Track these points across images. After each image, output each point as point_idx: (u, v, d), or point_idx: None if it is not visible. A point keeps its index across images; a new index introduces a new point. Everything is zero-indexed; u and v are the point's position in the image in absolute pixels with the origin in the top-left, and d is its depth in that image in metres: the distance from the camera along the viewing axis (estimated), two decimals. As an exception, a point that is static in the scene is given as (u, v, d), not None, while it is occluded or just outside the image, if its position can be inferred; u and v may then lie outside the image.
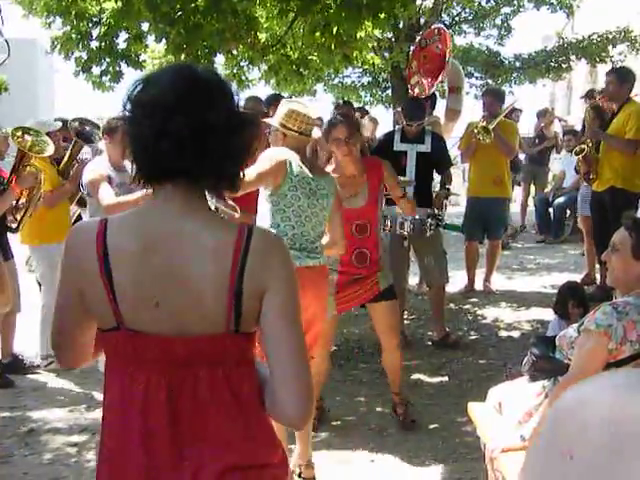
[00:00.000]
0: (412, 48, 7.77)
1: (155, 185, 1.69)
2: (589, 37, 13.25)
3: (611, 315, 2.85)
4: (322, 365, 4.34)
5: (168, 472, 1.65)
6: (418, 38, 7.34)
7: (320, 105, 9.90)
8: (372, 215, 4.57)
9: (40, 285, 6.53)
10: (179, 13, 6.11)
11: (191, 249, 1.62)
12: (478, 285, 8.11)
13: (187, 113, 1.59)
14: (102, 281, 1.62)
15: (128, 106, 1.65)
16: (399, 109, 7.27)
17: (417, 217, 5.76)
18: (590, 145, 6.94)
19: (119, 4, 5.99)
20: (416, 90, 7.19)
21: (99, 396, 5.22)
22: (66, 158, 5.82)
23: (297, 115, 3.84)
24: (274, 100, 7.28)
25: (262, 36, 7.86)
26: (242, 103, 1.72)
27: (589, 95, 9.28)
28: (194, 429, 1.65)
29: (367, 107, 13.37)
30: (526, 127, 12.75)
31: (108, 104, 8.29)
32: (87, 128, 5.73)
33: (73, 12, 6.52)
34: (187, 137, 1.58)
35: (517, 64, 14.10)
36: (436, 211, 6.19)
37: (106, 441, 1.74)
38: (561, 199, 10.83)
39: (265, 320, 1.66)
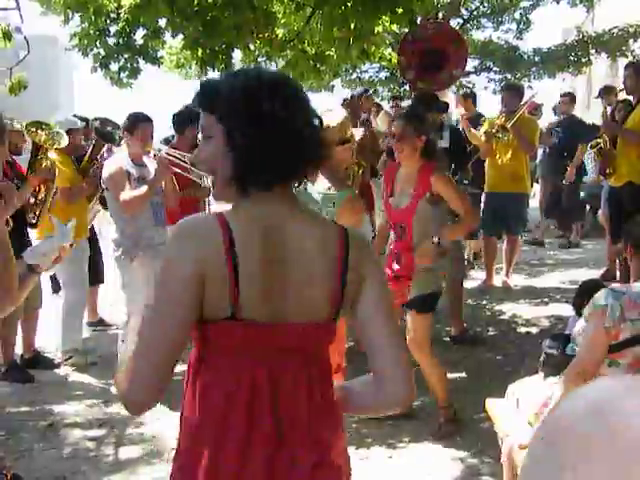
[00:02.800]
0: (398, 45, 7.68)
1: (248, 185, 1.72)
2: (609, 31, 13.14)
3: (607, 295, 2.89)
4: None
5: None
6: (405, 34, 7.25)
7: (337, 100, 9.91)
8: (408, 219, 4.42)
9: (52, 282, 6.62)
10: (196, 8, 6.12)
11: (303, 238, 1.71)
12: (497, 281, 8.08)
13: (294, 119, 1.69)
14: (228, 269, 1.62)
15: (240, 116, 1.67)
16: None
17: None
18: (606, 139, 6.88)
19: (137, 0, 6.00)
20: (419, 85, 7.13)
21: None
22: (86, 157, 5.87)
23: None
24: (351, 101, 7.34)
25: (279, 31, 7.84)
26: None
27: (605, 91, 9.20)
28: (292, 419, 1.71)
29: (384, 102, 13.35)
30: (546, 122, 12.64)
31: (127, 100, 8.34)
32: (108, 128, 5.78)
33: (91, 8, 6.55)
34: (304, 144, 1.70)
35: (536, 58, 14.00)
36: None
37: (190, 445, 1.72)
38: (581, 194, 10.74)
39: (366, 309, 1.78)
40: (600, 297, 2.90)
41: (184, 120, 6.05)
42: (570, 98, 10.31)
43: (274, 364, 1.69)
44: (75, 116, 6.42)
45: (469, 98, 9.07)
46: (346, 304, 1.76)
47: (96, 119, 5.81)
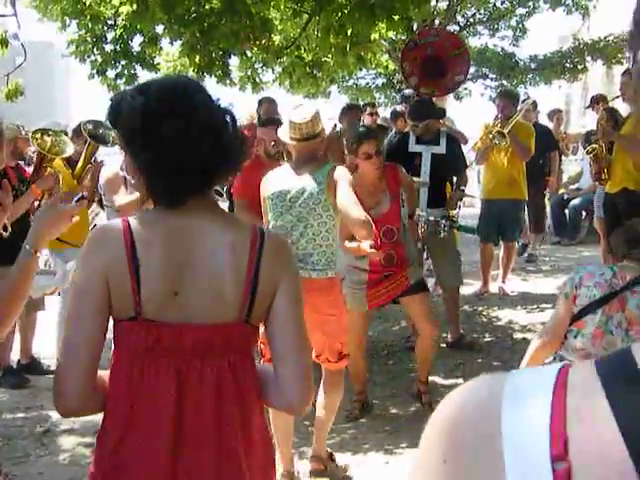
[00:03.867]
0: (400, 51, 7.70)
1: (156, 195, 1.79)
2: (605, 38, 13.19)
3: (572, 273, 3.32)
4: (357, 362, 4.76)
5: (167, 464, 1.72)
6: (407, 40, 7.29)
7: (333, 107, 9.93)
8: (396, 219, 4.74)
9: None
10: (194, 15, 6.15)
11: (210, 242, 1.74)
12: (493, 287, 8.09)
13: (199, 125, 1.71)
14: (129, 271, 1.69)
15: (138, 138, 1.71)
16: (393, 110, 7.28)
17: (431, 218, 5.77)
18: (602, 145, 6.90)
19: (134, 7, 6.02)
20: (422, 90, 7.15)
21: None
22: (81, 161, 5.84)
23: (294, 125, 3.90)
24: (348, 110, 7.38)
25: (276, 38, 7.87)
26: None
27: (595, 101, 9.23)
28: (197, 417, 1.74)
29: (381, 108, 13.38)
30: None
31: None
32: (100, 130, 5.76)
33: (88, 15, 6.57)
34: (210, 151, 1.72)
35: (532, 65, 14.05)
36: (450, 212, 6.17)
37: (111, 432, 1.76)
38: (577, 200, 10.78)
39: (275, 312, 1.81)
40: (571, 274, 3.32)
41: None
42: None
43: (179, 364, 1.73)
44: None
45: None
46: (260, 306, 1.79)
47: (88, 122, 5.79)
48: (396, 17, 6.31)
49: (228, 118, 1.77)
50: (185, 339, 1.72)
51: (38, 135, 5.30)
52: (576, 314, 3.19)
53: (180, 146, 1.67)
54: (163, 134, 1.66)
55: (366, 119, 8.53)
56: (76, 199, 2.33)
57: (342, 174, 3.83)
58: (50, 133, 5.36)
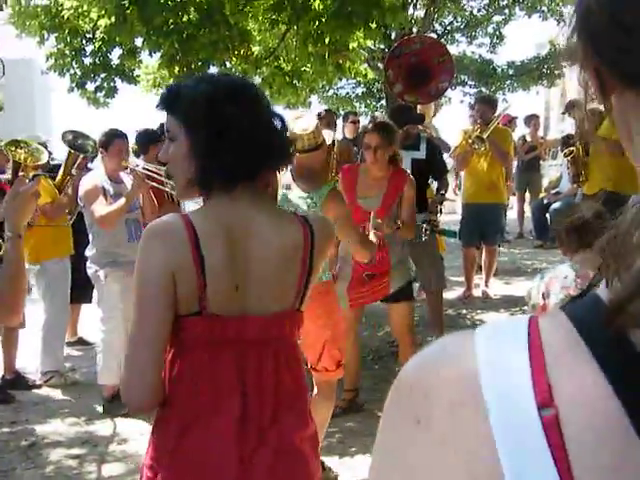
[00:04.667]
0: (385, 58, 7.74)
1: (210, 185, 1.79)
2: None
3: (534, 281, 3.35)
4: (352, 357, 4.83)
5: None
6: (392, 48, 7.33)
7: (314, 116, 10.02)
8: (381, 219, 4.63)
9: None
10: (172, 26, 6.16)
11: (267, 234, 1.78)
12: (477, 291, 8.15)
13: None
14: (195, 266, 1.70)
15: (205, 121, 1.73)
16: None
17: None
18: (579, 147, 6.98)
19: (112, 19, 6.03)
20: (406, 98, 7.20)
21: (99, 409, 5.24)
22: (61, 171, 5.83)
23: (296, 136, 3.88)
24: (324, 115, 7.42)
25: (255, 49, 7.91)
26: None
27: (571, 106, 9.32)
28: (260, 407, 1.78)
29: (362, 117, 13.45)
30: (520, 134, 12.80)
31: (104, 121, 8.35)
32: (79, 140, 5.76)
33: (66, 29, 6.57)
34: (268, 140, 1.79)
35: (510, 72, 14.18)
36: (432, 217, 6.22)
37: (173, 423, 1.78)
38: (557, 204, 10.87)
39: None
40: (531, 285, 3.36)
41: (148, 139, 6.12)
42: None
43: (240, 356, 1.76)
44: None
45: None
46: (309, 290, 1.87)
47: (67, 132, 5.78)
48: (373, 25, 6.35)
49: (280, 119, 1.85)
50: (247, 331, 1.77)
51: (12, 147, 5.30)
52: None
53: (241, 134, 1.71)
54: (227, 120, 1.70)
55: (348, 127, 8.59)
56: (30, 179, 2.45)
57: (340, 212, 3.67)
58: (22, 145, 5.35)
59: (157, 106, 1.83)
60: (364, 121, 11.27)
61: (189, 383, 1.76)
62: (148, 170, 5.33)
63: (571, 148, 7.17)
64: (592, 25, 0.58)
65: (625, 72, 0.58)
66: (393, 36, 10.81)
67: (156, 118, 7.37)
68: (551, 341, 0.58)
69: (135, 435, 4.60)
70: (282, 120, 1.86)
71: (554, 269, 3.33)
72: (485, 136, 7.50)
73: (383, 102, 13.19)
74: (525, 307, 7.36)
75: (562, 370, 0.56)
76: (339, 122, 8.80)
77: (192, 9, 6.18)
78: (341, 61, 6.98)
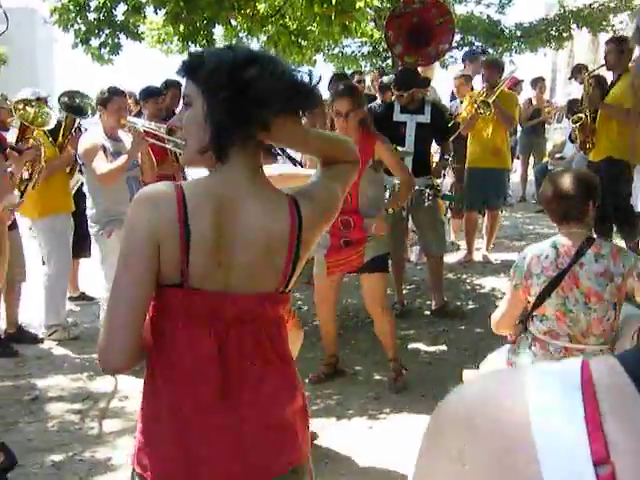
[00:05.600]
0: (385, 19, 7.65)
1: (225, 153, 1.77)
2: (590, 5, 13.16)
3: (520, 256, 3.29)
4: (328, 327, 5.00)
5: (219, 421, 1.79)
6: (392, 8, 7.23)
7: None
8: (353, 187, 4.54)
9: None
10: (177, -17, 6.08)
11: (255, 216, 1.77)
12: (477, 255, 8.18)
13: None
14: (180, 237, 1.70)
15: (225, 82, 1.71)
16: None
17: (416, 187, 5.82)
18: (588, 114, 6.93)
19: (117, -25, 5.96)
20: (406, 59, 7.15)
21: (101, 364, 5.30)
22: (61, 132, 5.82)
23: None
24: (337, 80, 7.38)
25: (261, 7, 7.81)
26: None
27: (577, 71, 9.24)
28: (239, 383, 1.79)
29: (368, 77, 13.34)
30: (527, 96, 12.71)
31: (108, 73, 8.28)
32: (77, 100, 5.73)
33: (71, -17, 6.50)
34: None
35: (518, 33, 14.00)
36: (434, 181, 6.22)
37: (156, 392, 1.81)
38: (560, 169, 10.85)
39: None
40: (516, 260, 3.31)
41: (147, 93, 6.47)
42: (466, 78, 9.57)
43: (220, 331, 1.77)
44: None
45: (464, 83, 8.91)
46: (297, 273, 1.87)
47: (63, 94, 5.75)
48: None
49: (308, 73, 1.82)
50: (227, 308, 1.77)
51: (21, 106, 5.27)
52: (534, 302, 3.19)
53: (263, 89, 1.70)
54: (248, 81, 1.69)
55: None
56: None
57: None
58: (33, 104, 5.33)
59: (178, 72, 1.81)
60: (368, 81, 11.23)
61: (169, 352, 1.77)
62: (148, 128, 5.32)
63: (579, 115, 7.12)
64: None
65: None
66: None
67: (160, 75, 7.33)
68: (605, 390, 0.57)
69: (135, 393, 4.63)
70: (310, 73, 1.83)
71: (537, 247, 3.26)
72: (491, 100, 7.46)
73: (389, 62, 13.07)
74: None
75: (617, 422, 0.55)
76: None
77: (198, -35, 6.09)
78: (347, 22, 6.90)
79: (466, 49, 14.79)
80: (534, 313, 3.23)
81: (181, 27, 6.70)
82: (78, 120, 5.85)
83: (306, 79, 1.79)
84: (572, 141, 8.16)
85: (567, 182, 3.17)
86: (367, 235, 4.61)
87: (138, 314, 1.72)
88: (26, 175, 5.29)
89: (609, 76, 7.09)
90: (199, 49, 1.81)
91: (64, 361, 5.55)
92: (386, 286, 4.97)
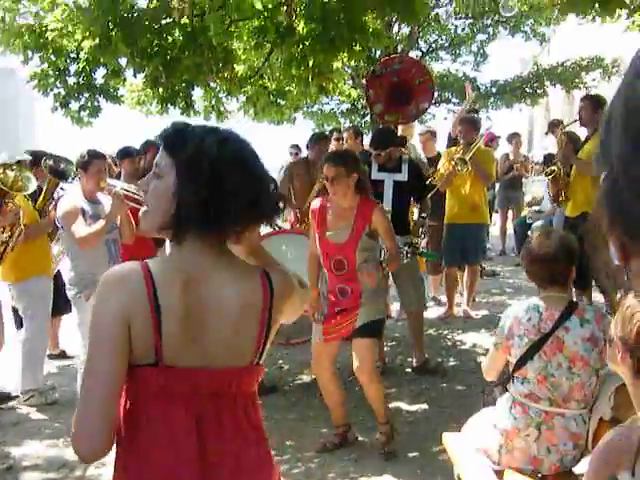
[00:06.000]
0: (365, 79, 7.79)
1: (185, 234, 1.79)
2: (562, 64, 13.49)
3: (503, 315, 3.29)
4: (331, 394, 4.85)
5: None
6: (372, 68, 7.37)
7: (298, 132, 10.00)
8: (350, 253, 4.56)
9: (15, 317, 6.50)
10: (156, 48, 6.17)
11: (225, 291, 1.77)
12: (458, 310, 8.20)
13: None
14: (151, 316, 1.69)
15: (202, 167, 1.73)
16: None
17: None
18: (561, 167, 7.07)
19: (97, 40, 6.03)
20: (386, 118, 7.26)
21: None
22: (42, 196, 5.84)
23: None
24: (318, 140, 7.47)
25: (240, 68, 7.93)
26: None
27: (553, 126, 9.41)
28: (219, 458, 1.78)
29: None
30: (505, 151, 12.92)
31: (88, 133, 8.33)
32: (62, 165, 5.76)
33: (50, 49, 6.57)
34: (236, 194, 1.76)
35: (493, 90, 14.29)
36: (413, 239, 6.26)
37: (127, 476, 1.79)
38: (539, 222, 10.96)
39: None
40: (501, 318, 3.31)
41: (123, 154, 6.66)
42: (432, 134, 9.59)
43: (197, 407, 1.76)
44: (27, 152, 6.35)
45: (430, 139, 9.04)
46: (268, 345, 1.88)
47: (49, 157, 5.78)
48: (357, 48, 6.40)
49: (273, 182, 1.87)
50: (204, 384, 1.76)
51: (0, 170, 5.28)
52: (515, 364, 3.18)
53: (233, 192, 1.72)
54: (225, 178, 1.71)
55: (332, 144, 8.64)
56: None
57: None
58: (14, 168, 5.34)
59: (159, 137, 1.82)
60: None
61: (147, 433, 1.75)
62: (126, 191, 5.35)
63: (552, 167, 7.25)
64: (619, 199, 0.59)
65: None
66: (378, 54, 10.90)
67: (139, 136, 7.38)
68: None
69: (112, 460, 4.58)
70: (275, 184, 1.88)
71: (519, 308, 3.26)
72: (467, 158, 7.57)
73: (367, 119, 13.26)
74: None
75: None
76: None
77: (177, 31, 6.20)
78: (324, 83, 7.02)
79: (444, 105, 15.12)
80: (515, 375, 3.22)
81: (160, 90, 6.78)
82: (60, 184, 5.87)
83: (271, 187, 1.85)
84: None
85: (549, 246, 3.17)
86: (360, 302, 4.57)
87: (111, 394, 1.68)
88: (4, 238, 5.28)
89: (584, 132, 7.22)
90: (181, 122, 1.79)
91: (41, 426, 5.45)
92: (376, 352, 4.86)
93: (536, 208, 11.85)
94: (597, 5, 4.12)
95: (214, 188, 1.71)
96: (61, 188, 6.07)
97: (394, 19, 10.42)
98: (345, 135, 8.32)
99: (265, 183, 1.83)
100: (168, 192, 1.75)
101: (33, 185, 5.38)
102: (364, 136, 8.87)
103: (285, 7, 6.66)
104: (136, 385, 1.75)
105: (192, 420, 1.75)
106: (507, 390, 3.32)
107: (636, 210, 0.57)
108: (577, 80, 13.12)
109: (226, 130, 1.86)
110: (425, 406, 5.61)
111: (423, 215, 6.77)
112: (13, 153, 6.09)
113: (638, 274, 0.63)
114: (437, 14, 12.76)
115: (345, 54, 6.80)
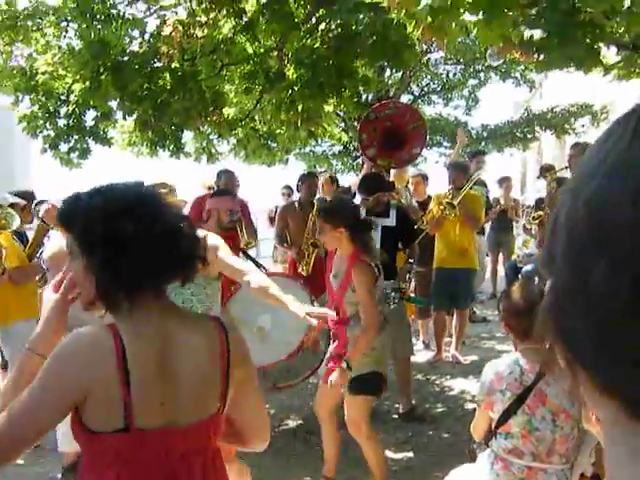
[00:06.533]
0: (359, 123, 7.83)
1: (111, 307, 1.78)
2: (552, 110, 13.63)
3: (483, 372, 3.25)
4: (329, 436, 4.78)
5: None
6: (366, 112, 7.41)
7: (291, 173, 10.05)
8: (339, 302, 4.49)
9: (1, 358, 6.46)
10: (146, 92, 6.21)
11: (189, 347, 1.77)
12: (447, 354, 8.15)
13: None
14: (120, 385, 1.67)
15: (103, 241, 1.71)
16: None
17: (381, 289, 5.87)
18: (548, 212, 7.10)
19: (87, 84, 6.08)
20: (379, 162, 7.28)
21: (58, 476, 5.14)
22: (31, 240, 5.83)
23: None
24: (306, 179, 7.53)
25: (230, 110, 7.99)
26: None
27: (544, 170, 9.49)
28: None
29: (338, 175, 13.58)
30: (496, 194, 12.97)
31: (84, 171, 8.32)
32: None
33: (41, 91, 6.61)
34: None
35: (484, 134, 14.40)
36: (400, 284, 6.25)
37: None
38: (529, 266, 10.95)
39: (245, 395, 1.92)
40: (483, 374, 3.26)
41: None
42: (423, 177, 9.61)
43: (168, 467, 1.75)
44: (16, 194, 6.35)
45: (422, 183, 9.03)
46: (230, 395, 1.87)
47: (39, 202, 5.80)
48: (346, 93, 6.46)
49: (185, 223, 1.83)
50: (174, 443, 1.75)
51: None
52: (498, 420, 3.14)
53: (139, 245, 1.69)
54: (123, 233, 1.67)
55: (322, 188, 8.67)
56: None
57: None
58: None
59: (57, 220, 1.84)
60: (341, 180, 11.42)
61: None
62: None
63: (539, 213, 7.28)
64: (563, 319, 0.57)
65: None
66: (370, 98, 10.99)
67: (131, 177, 7.37)
68: None
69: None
70: (189, 221, 1.86)
71: (499, 363, 3.23)
72: (456, 202, 7.59)
73: (359, 160, 13.32)
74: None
75: None
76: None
77: (167, 75, 6.25)
78: (313, 128, 7.07)
79: (435, 149, 15.22)
80: (498, 431, 3.18)
81: (150, 133, 6.82)
82: (50, 229, 5.86)
83: (188, 231, 1.82)
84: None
85: (525, 297, 3.13)
86: (344, 354, 4.41)
87: (26, 440, 1.71)
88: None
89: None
90: (71, 196, 1.76)
91: (20, 472, 5.34)
92: (366, 411, 4.56)
93: (526, 251, 11.85)
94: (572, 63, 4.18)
95: (113, 245, 1.68)
96: (48, 236, 6.07)
97: (385, 64, 10.53)
98: (321, 180, 8.36)
99: (169, 220, 1.78)
100: (81, 271, 1.76)
101: (16, 222, 5.39)
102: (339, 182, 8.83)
103: (276, 52, 6.74)
104: (103, 451, 1.73)
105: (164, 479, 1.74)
106: (488, 446, 3.28)
107: (581, 336, 0.55)
108: (567, 126, 13.24)
109: (112, 185, 1.83)
110: (410, 454, 5.55)
111: (410, 260, 6.77)
112: (9, 188, 6.11)
113: (591, 401, 0.60)
114: (428, 59, 12.92)
115: (334, 99, 6.86)
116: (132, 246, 1.68)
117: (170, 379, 1.73)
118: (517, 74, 14.14)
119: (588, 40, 4.03)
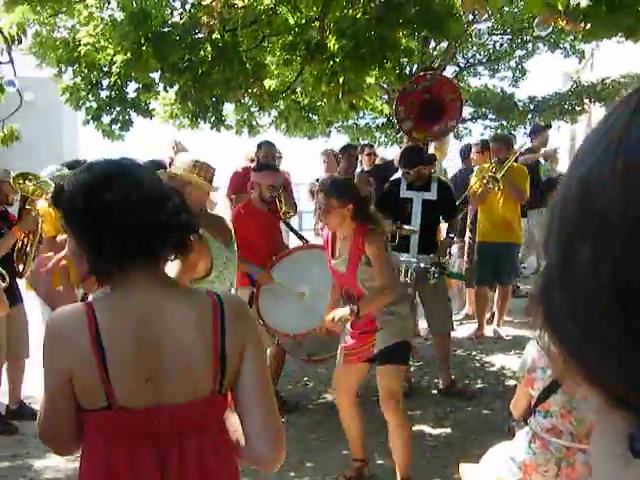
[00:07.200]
0: (396, 96, 7.71)
1: (104, 280, 1.78)
2: (602, 81, 13.25)
3: (525, 349, 3.27)
4: (349, 421, 4.63)
5: None
6: (404, 85, 7.29)
7: (333, 146, 9.94)
8: (352, 284, 4.33)
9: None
10: (186, 63, 6.20)
11: (173, 321, 1.72)
12: (489, 330, 8.07)
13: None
14: (95, 361, 1.67)
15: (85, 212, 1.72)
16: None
17: (421, 265, 5.82)
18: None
19: (128, 55, 6.08)
20: (414, 135, 7.18)
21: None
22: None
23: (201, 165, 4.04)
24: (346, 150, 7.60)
25: (272, 82, 7.94)
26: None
27: None
28: None
29: (382, 148, 13.47)
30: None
31: (128, 143, 8.37)
32: None
33: (83, 63, 6.64)
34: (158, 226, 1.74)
35: (531, 106, 14.08)
36: (440, 259, 6.18)
37: None
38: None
39: (244, 376, 1.78)
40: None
41: (156, 166, 6.53)
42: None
43: (158, 447, 1.72)
44: (67, 165, 6.42)
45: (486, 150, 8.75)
46: (230, 374, 1.77)
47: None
48: (388, 65, 6.36)
49: (172, 194, 1.80)
50: (162, 422, 1.72)
51: (20, 180, 5.40)
52: (538, 397, 3.11)
53: (120, 214, 1.68)
54: (103, 203, 1.67)
55: (364, 159, 8.62)
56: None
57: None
58: (30, 177, 5.46)
59: (50, 202, 1.91)
60: (384, 152, 11.34)
61: (108, 477, 1.73)
62: None
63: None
64: (553, 309, 0.55)
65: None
66: (414, 69, 10.81)
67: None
68: None
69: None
70: (179, 195, 1.83)
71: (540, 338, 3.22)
72: (499, 176, 7.46)
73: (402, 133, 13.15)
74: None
75: None
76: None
77: (208, 46, 6.22)
78: (354, 101, 6.98)
79: (480, 121, 14.97)
80: (537, 409, 3.14)
81: (190, 104, 6.81)
82: None
83: (177, 200, 1.78)
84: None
85: None
86: (375, 327, 4.31)
87: (63, 421, 1.77)
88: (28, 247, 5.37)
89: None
90: (71, 175, 1.77)
91: (51, 468, 5.45)
92: (400, 379, 4.49)
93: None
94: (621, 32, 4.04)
95: (93, 216, 1.69)
96: None
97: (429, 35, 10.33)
98: (366, 152, 8.34)
99: (150, 188, 1.76)
100: (74, 246, 1.77)
101: (52, 187, 5.45)
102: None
103: (317, 23, 6.65)
104: (92, 429, 1.75)
105: (155, 461, 1.72)
106: (527, 423, 3.23)
107: (571, 333, 0.53)
108: (617, 98, 12.79)
109: (100, 160, 1.83)
110: (449, 430, 5.51)
111: (451, 235, 6.68)
112: (59, 160, 6.18)
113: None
114: (474, 30, 12.64)
115: (376, 71, 6.76)
116: (113, 215, 1.67)
117: (153, 355, 1.70)
118: (566, 44, 13.79)
119: (639, 8, 3.88)
